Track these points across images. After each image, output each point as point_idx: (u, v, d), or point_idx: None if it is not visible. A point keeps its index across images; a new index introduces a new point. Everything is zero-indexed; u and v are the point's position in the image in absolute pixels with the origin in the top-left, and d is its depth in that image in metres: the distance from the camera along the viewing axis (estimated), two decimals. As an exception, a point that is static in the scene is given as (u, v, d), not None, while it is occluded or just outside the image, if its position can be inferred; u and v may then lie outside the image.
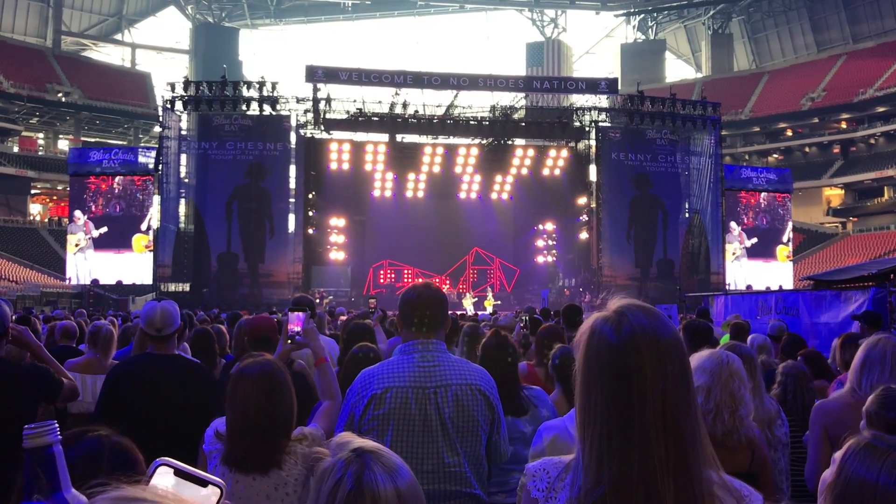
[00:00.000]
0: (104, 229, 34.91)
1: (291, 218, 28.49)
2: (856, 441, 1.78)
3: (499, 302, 29.43)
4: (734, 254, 36.55)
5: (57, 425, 1.07)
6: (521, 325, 5.52)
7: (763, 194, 38.53)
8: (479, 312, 21.70)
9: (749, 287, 34.39)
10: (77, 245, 35.96)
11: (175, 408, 3.57)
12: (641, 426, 1.28)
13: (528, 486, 1.52)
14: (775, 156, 59.19)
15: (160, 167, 28.23)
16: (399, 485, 1.26)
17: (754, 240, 37.94)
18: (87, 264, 35.48)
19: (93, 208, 35.37)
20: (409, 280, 30.89)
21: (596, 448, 1.32)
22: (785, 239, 39.20)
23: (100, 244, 35.48)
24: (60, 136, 59.57)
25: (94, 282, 34.92)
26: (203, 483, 0.95)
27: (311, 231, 29.16)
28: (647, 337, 1.31)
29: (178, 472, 0.94)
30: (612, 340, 1.33)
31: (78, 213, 35.64)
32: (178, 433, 3.37)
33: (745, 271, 36.90)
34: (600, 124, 30.04)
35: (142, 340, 5.24)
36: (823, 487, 1.85)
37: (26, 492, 0.99)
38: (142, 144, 54.85)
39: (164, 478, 0.94)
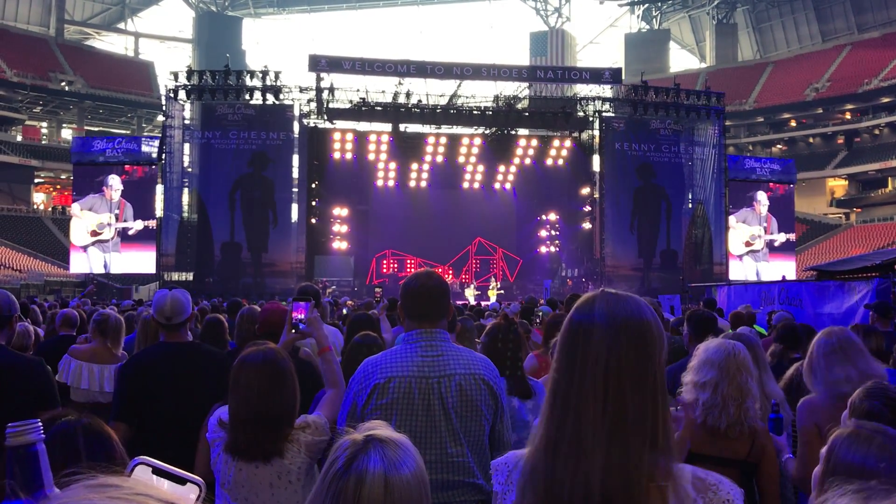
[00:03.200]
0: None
1: (294, 207, 28.48)
2: (840, 430, 1.82)
3: (502, 291, 29.47)
4: (748, 244, 32.07)
5: (41, 424, 1.06)
6: (538, 319, 5.49)
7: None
8: (490, 302, 21.69)
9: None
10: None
11: (199, 396, 3.50)
12: (580, 389, 1.38)
13: (492, 480, 1.57)
14: (779, 146, 58.99)
15: (163, 156, 28.24)
16: (390, 475, 1.24)
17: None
18: (103, 258, 30.68)
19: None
20: (412, 270, 30.78)
21: (548, 408, 1.45)
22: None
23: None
24: (64, 125, 59.50)
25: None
26: (182, 481, 0.94)
27: (314, 221, 29.18)
28: (604, 314, 1.42)
29: (157, 471, 0.94)
30: (574, 316, 1.47)
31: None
32: (201, 422, 3.34)
33: (758, 268, 32.00)
34: (604, 114, 29.94)
35: (145, 328, 5.25)
36: (815, 482, 1.86)
37: (8, 491, 0.98)
38: (145, 134, 54.94)
39: (142, 476, 0.93)
